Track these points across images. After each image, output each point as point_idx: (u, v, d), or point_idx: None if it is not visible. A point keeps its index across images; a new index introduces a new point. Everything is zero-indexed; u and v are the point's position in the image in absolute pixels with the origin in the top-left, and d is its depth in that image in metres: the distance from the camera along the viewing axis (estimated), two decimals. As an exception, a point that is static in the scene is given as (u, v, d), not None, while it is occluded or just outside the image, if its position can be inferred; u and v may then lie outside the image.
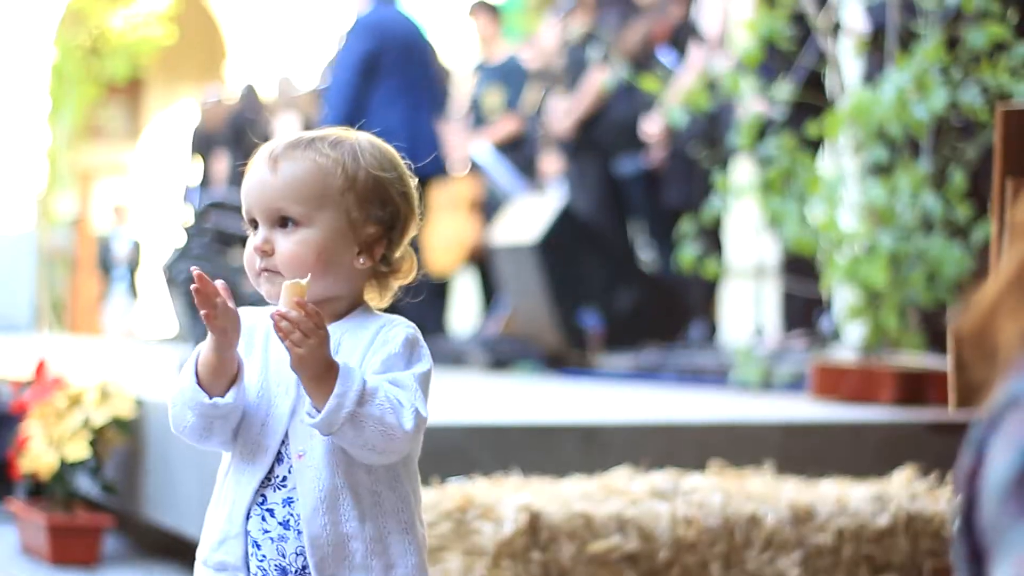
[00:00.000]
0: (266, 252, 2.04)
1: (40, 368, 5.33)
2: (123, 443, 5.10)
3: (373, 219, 2.07)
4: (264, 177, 2.06)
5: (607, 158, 8.54)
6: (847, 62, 6.12)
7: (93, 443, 5.03)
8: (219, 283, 1.99)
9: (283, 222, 2.05)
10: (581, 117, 8.67)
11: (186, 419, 2.03)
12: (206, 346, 2.01)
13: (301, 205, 2.04)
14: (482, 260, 10.02)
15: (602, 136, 8.50)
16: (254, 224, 2.07)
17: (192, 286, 1.96)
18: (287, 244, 2.03)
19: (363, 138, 2.12)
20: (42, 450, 5.06)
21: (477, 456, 4.08)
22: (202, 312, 1.97)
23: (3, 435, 5.53)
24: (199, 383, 2.01)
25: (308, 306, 1.93)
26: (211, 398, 2.01)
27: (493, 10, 10.16)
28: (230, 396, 2.01)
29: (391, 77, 7.97)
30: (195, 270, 1.97)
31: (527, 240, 7.78)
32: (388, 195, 2.08)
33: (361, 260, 2.07)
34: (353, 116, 8.03)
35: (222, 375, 2.01)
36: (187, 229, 6.21)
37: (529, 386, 6.91)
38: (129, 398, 5.08)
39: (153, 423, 5.00)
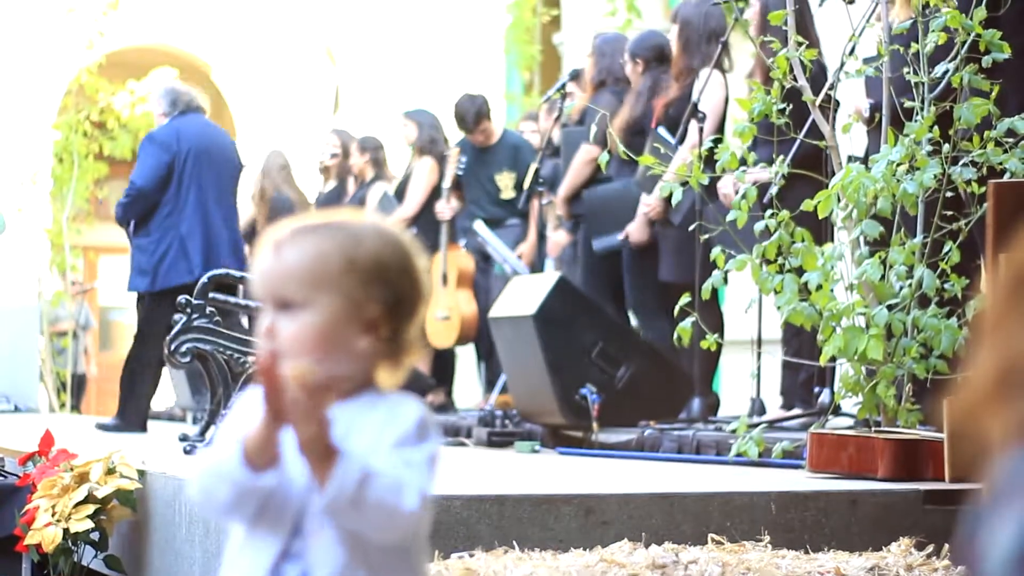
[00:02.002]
0: (272, 336, 2.10)
1: (45, 441, 5.36)
2: (128, 516, 5.12)
3: (376, 299, 2.10)
4: (267, 263, 2.12)
5: (602, 233, 8.59)
6: (843, 137, 6.19)
7: (98, 516, 5.05)
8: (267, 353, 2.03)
9: (285, 306, 2.10)
10: (571, 192, 8.74)
11: (219, 493, 2.06)
12: (255, 423, 2.04)
13: (300, 289, 2.08)
14: (478, 338, 10.06)
15: (595, 211, 8.56)
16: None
17: (258, 359, 2.00)
18: (288, 327, 2.08)
19: (367, 220, 2.17)
20: (47, 523, 5.09)
21: (476, 529, 4.11)
22: (263, 386, 2.00)
23: (9, 509, 5.55)
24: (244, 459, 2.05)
25: (310, 388, 1.98)
26: (254, 475, 2.05)
27: (482, 112, 10.22)
28: (272, 477, 2.05)
29: (188, 184, 8.29)
30: (268, 348, 2.03)
31: (524, 312, 7.82)
32: (390, 275, 2.12)
33: (365, 341, 2.12)
34: (141, 223, 8.36)
35: (266, 453, 2.04)
36: (188, 303, 6.26)
37: (528, 459, 6.94)
38: (134, 471, 5.11)
39: (158, 496, 5.03)
